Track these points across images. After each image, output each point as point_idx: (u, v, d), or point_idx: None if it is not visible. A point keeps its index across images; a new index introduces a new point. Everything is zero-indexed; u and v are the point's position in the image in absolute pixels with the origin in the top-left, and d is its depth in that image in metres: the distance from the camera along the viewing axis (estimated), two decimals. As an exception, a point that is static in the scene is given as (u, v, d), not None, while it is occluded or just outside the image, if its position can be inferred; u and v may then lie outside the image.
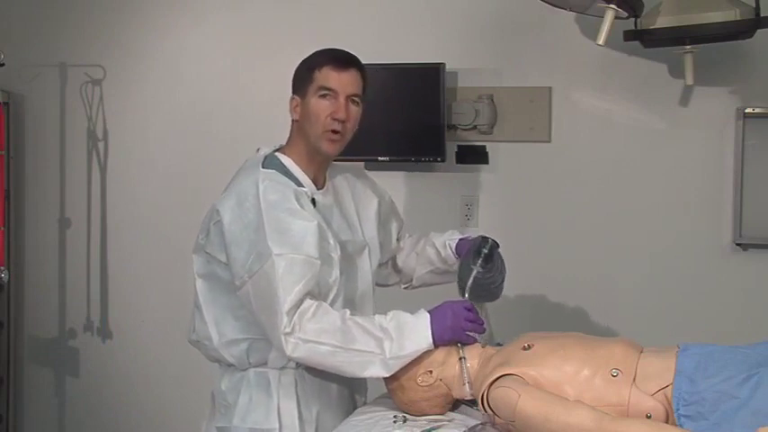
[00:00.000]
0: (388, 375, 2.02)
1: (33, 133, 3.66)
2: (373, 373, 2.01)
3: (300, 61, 2.20)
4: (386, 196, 2.43)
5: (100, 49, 3.54)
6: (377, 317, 2.03)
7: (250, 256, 2.01)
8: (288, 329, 1.94)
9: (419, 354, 2.00)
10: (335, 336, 1.97)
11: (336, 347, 1.97)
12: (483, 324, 2.07)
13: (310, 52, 2.21)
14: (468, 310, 2.06)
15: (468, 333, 2.05)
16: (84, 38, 3.55)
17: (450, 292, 2.17)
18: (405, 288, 2.51)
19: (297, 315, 1.96)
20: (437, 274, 2.42)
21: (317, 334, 1.96)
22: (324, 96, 2.11)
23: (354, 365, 1.99)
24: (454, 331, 2.03)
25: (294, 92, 2.18)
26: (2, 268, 3.40)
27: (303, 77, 2.15)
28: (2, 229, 3.48)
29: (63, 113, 3.60)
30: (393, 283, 2.51)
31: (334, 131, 2.11)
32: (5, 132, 3.52)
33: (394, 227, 2.44)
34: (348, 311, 2.02)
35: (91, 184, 3.60)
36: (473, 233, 2.41)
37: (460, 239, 2.34)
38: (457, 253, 2.33)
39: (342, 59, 2.13)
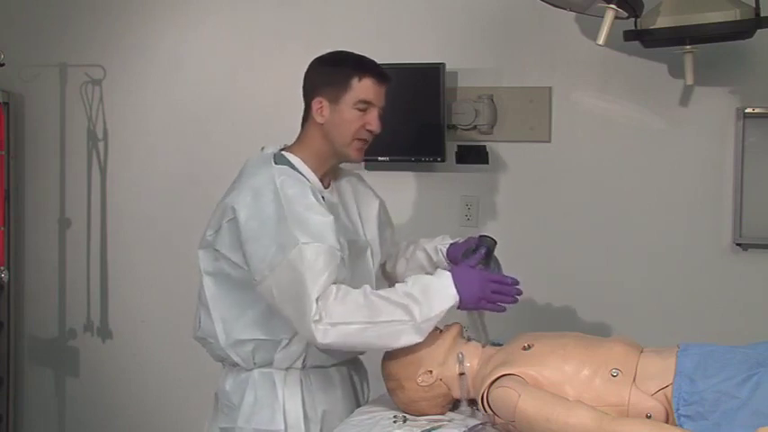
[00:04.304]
0: (421, 340, 1.98)
1: (33, 133, 3.66)
2: (406, 342, 1.98)
3: (320, 59, 2.19)
4: (383, 202, 2.44)
5: (100, 49, 3.53)
6: (398, 285, 2.02)
7: (270, 249, 1.99)
8: (316, 317, 1.93)
9: (445, 312, 1.99)
10: (362, 312, 1.95)
11: (365, 323, 1.95)
12: (512, 296, 2.07)
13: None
14: (494, 281, 2.05)
15: (498, 303, 2.04)
16: (84, 38, 3.55)
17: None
18: None
19: (321, 301, 1.94)
20: None
21: (344, 315, 1.94)
22: (362, 109, 2.12)
23: (386, 338, 1.97)
24: (483, 291, 2.02)
25: (319, 93, 2.13)
26: (2, 268, 3.40)
27: (336, 82, 2.12)
28: (2, 229, 3.48)
29: (63, 113, 3.60)
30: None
31: (364, 140, 2.14)
32: (5, 132, 3.52)
33: (389, 232, 2.45)
34: (368, 287, 2.01)
35: (91, 184, 3.60)
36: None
37: (452, 244, 2.35)
38: (448, 257, 2.34)
39: (383, 74, 2.15)
